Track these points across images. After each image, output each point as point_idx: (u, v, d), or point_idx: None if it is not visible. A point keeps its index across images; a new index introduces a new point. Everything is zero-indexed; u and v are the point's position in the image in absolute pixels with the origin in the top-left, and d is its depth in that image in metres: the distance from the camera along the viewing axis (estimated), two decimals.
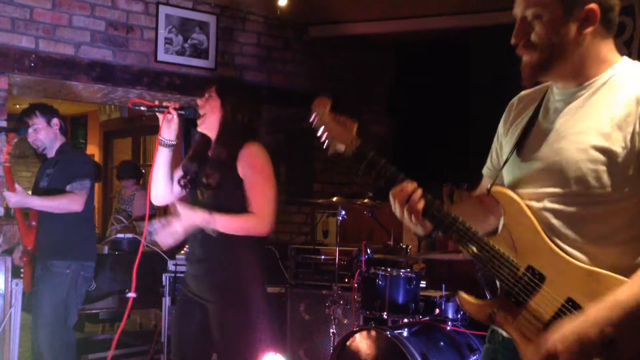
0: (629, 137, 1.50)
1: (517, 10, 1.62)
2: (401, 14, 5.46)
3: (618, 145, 1.50)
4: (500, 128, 1.83)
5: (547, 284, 1.56)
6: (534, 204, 1.62)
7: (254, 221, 2.65)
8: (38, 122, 3.83)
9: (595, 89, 1.59)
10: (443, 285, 3.79)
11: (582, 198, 1.54)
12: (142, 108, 2.61)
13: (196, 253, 2.73)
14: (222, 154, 2.67)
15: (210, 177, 2.67)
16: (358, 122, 1.73)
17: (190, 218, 2.62)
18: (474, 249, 1.63)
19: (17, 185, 3.58)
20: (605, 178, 1.51)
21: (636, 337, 1.44)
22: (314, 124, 1.79)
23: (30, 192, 3.98)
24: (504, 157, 1.74)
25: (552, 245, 1.57)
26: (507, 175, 1.74)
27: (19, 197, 3.58)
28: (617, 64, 1.60)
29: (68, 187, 3.69)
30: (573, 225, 1.56)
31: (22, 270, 3.84)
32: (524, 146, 1.68)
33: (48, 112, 3.89)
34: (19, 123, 3.89)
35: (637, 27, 4.14)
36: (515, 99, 1.81)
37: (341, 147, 1.73)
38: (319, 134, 1.77)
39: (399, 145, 6.03)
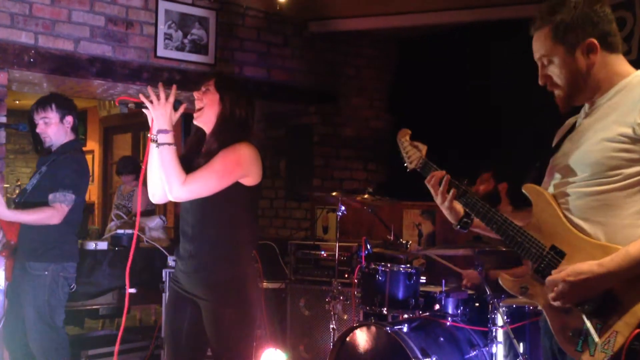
0: (631, 128, 1.78)
1: (534, 56, 1.95)
2: (402, 9, 5.44)
3: (624, 136, 1.79)
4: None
5: (566, 259, 1.86)
6: (562, 189, 1.92)
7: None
8: (51, 116, 3.75)
9: (610, 97, 1.89)
10: (443, 281, 3.79)
11: (598, 181, 1.83)
12: (130, 105, 2.55)
13: (186, 249, 2.70)
14: (213, 146, 2.65)
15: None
16: (427, 146, 2.28)
17: None
18: (511, 233, 1.96)
19: None
20: (615, 163, 1.80)
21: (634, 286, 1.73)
22: (399, 148, 2.33)
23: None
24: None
25: (571, 227, 1.88)
26: (548, 173, 2.05)
27: None
28: (631, 75, 1.90)
29: (50, 197, 3.58)
30: (592, 206, 1.84)
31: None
32: (558, 151, 2.01)
33: (64, 108, 3.80)
34: (30, 111, 3.81)
35: (637, 22, 4.13)
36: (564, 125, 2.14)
37: (412, 165, 2.27)
38: (402, 155, 2.32)
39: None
